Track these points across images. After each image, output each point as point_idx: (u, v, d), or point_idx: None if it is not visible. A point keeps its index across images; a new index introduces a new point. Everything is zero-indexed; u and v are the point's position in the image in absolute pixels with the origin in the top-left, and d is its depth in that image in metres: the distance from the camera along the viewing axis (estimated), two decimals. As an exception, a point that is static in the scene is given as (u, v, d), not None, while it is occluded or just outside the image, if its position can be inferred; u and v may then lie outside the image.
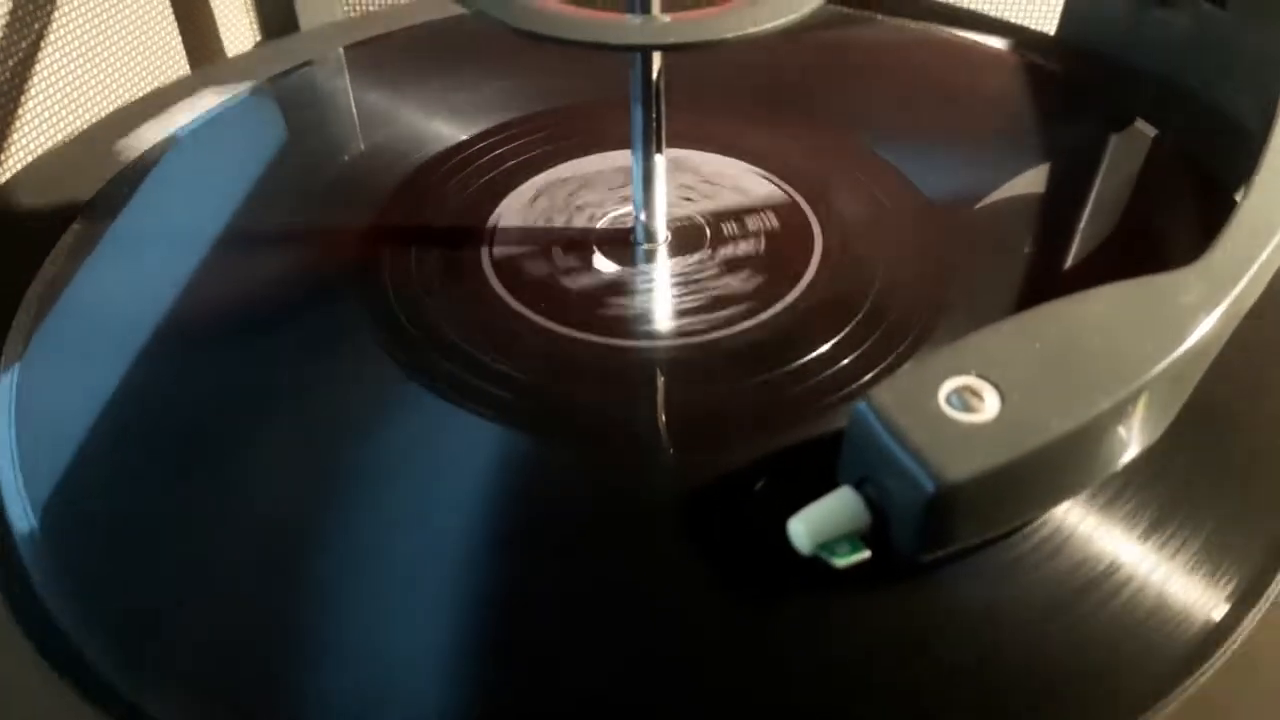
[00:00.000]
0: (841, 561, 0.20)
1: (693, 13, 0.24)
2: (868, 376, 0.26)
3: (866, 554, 0.20)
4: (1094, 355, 0.21)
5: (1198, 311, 0.22)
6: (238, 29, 0.53)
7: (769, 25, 0.23)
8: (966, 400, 0.20)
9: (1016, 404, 0.20)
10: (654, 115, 0.27)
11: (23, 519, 0.23)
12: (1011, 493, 0.20)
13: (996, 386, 0.20)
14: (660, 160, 0.28)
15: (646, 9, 0.24)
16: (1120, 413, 0.21)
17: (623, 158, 0.33)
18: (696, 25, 0.23)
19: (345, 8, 0.52)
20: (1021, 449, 0.19)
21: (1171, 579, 0.22)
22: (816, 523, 0.20)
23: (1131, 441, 0.23)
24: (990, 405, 0.20)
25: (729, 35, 0.23)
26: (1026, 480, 0.20)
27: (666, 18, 0.24)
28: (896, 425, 0.20)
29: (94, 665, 0.20)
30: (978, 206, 0.32)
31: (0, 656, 0.20)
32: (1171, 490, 0.23)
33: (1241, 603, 0.21)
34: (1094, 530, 0.22)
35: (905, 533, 0.20)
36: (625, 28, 0.23)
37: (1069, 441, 0.20)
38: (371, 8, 0.54)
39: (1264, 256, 0.23)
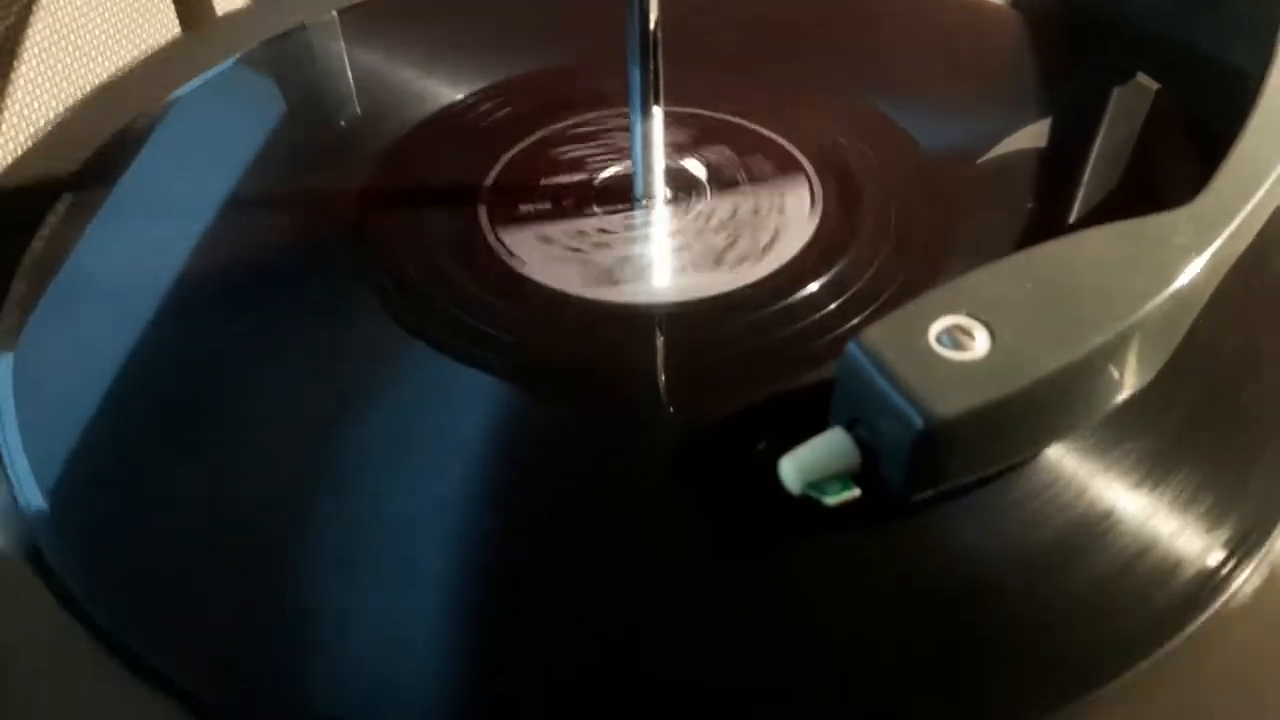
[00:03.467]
0: (831, 499, 0.20)
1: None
2: (860, 318, 0.26)
3: (856, 492, 0.20)
4: (1085, 294, 0.21)
5: (1188, 252, 0.22)
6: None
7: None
8: (957, 339, 0.20)
9: (1007, 342, 0.20)
10: (651, 70, 0.27)
11: (32, 493, 0.23)
12: (1001, 431, 0.21)
13: (987, 325, 0.21)
14: (658, 115, 0.29)
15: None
16: (1111, 352, 0.21)
17: (621, 116, 0.33)
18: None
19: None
20: (1011, 386, 0.20)
21: (1167, 526, 0.22)
22: (806, 462, 0.20)
23: (1123, 383, 0.23)
24: (981, 343, 0.20)
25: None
26: (1016, 418, 0.21)
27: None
28: (886, 363, 0.20)
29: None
30: (978, 160, 0.33)
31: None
32: (1167, 438, 0.23)
33: (1240, 550, 0.21)
34: (1088, 477, 0.23)
35: (896, 471, 0.20)
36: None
37: (1059, 379, 0.20)
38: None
39: (1255, 200, 0.23)
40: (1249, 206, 0.23)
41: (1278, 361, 0.26)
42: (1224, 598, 0.20)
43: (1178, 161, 0.34)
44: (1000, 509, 0.22)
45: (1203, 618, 0.20)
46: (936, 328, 0.21)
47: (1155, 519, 0.22)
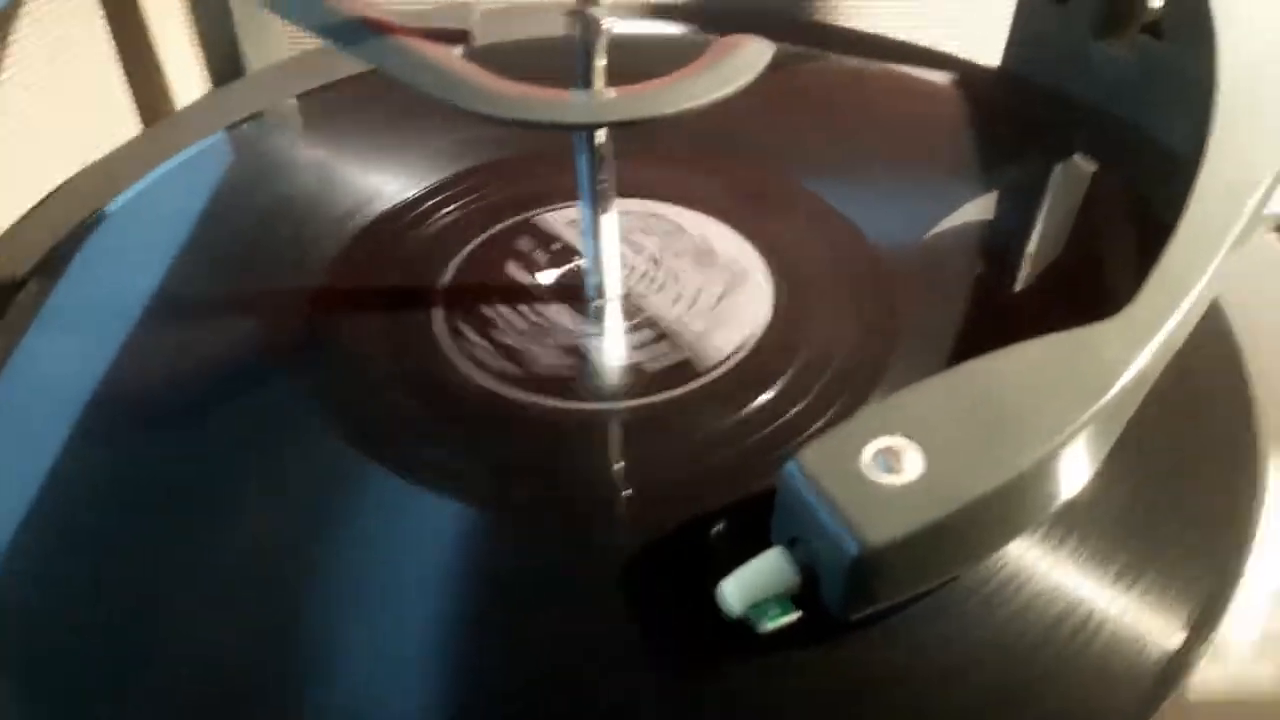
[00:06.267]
0: (770, 624, 0.20)
1: (634, 88, 0.24)
2: (810, 430, 0.27)
3: (795, 615, 0.21)
4: (1016, 413, 0.22)
5: (1117, 365, 0.23)
6: (186, 75, 0.54)
7: (706, 99, 0.24)
8: (890, 462, 0.21)
9: (939, 465, 0.21)
10: (600, 177, 0.28)
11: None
12: (937, 551, 0.21)
13: (920, 447, 0.21)
14: (609, 219, 0.29)
15: (589, 84, 0.25)
16: (1042, 470, 0.22)
17: (573, 211, 0.34)
18: (638, 101, 0.24)
19: (290, 45, 0.52)
20: (943, 510, 0.20)
21: (1120, 615, 0.22)
22: (745, 586, 0.21)
23: (1059, 490, 0.24)
24: (914, 466, 0.21)
25: (668, 110, 0.24)
26: (951, 538, 0.21)
27: (611, 92, 0.25)
28: (821, 487, 0.21)
29: None
30: (921, 246, 0.33)
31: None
32: (1107, 531, 0.24)
33: (1195, 633, 0.22)
34: (1037, 572, 0.23)
35: (833, 593, 0.21)
36: (570, 106, 0.24)
37: (991, 500, 0.21)
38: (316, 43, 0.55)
39: (1182, 310, 0.24)
40: (1176, 318, 0.24)
41: (1209, 450, 0.27)
42: (1176, 691, 0.21)
43: (1118, 242, 0.35)
44: (943, 610, 0.22)
45: (1161, 707, 0.21)
46: (870, 449, 0.21)
47: (1099, 613, 0.22)
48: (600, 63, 0.25)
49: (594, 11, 0.25)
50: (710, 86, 0.24)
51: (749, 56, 0.24)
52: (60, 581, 0.24)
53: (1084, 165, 0.38)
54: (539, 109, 0.24)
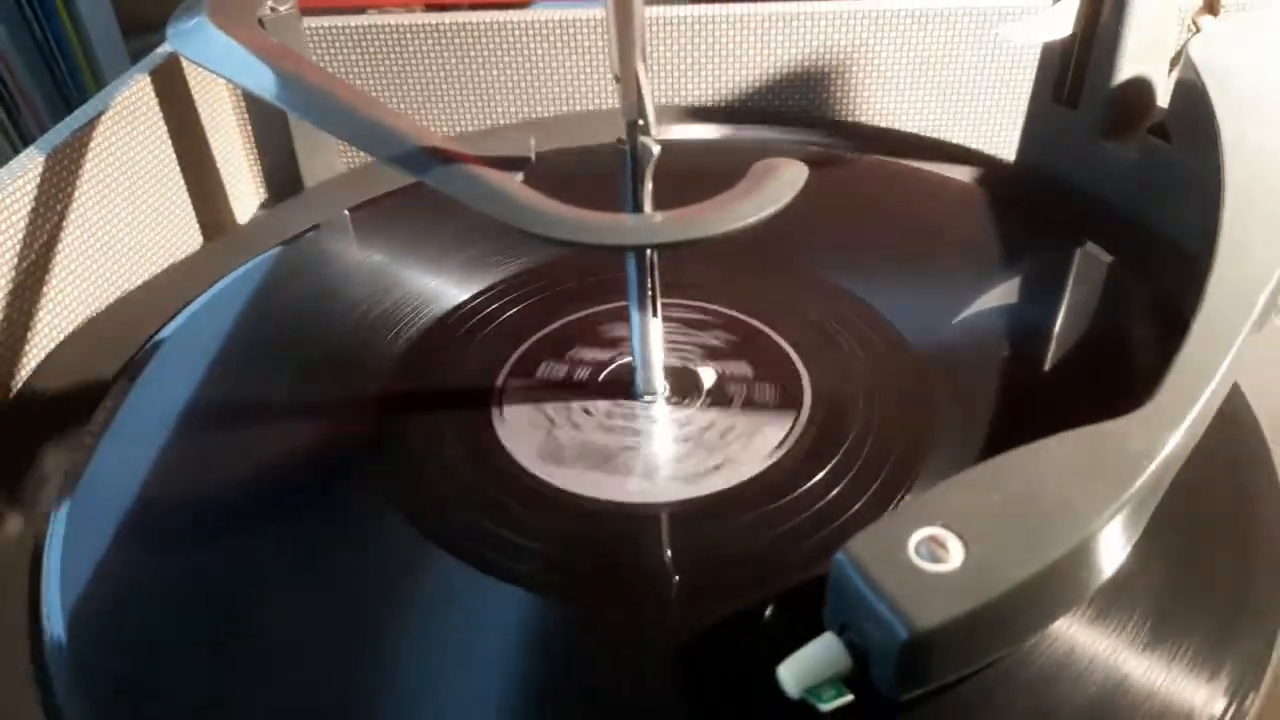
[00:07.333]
0: (825, 705, 0.22)
1: (685, 211, 0.27)
2: (856, 521, 0.28)
3: (849, 697, 0.22)
4: (1047, 504, 0.23)
5: (1142, 458, 0.24)
6: (245, 193, 0.57)
7: (750, 220, 0.26)
8: (933, 550, 0.23)
9: (979, 553, 0.22)
10: (649, 285, 0.30)
11: (68, 695, 0.25)
12: (981, 633, 0.23)
13: (960, 536, 0.23)
14: (656, 322, 0.31)
15: (639, 205, 0.27)
16: (1077, 556, 0.23)
17: (621, 310, 0.36)
18: (689, 224, 0.26)
19: (344, 161, 0.56)
20: (985, 596, 0.22)
21: (1164, 686, 0.24)
22: (801, 669, 0.22)
23: (1096, 574, 0.25)
24: (955, 554, 0.22)
25: (716, 231, 0.26)
26: (994, 622, 0.23)
27: (658, 217, 0.27)
28: (870, 576, 0.22)
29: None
30: (950, 342, 0.35)
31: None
32: (1148, 608, 0.26)
33: (1236, 702, 0.24)
34: (1081, 651, 0.25)
35: (885, 675, 0.22)
36: (627, 229, 0.27)
37: (1030, 585, 0.22)
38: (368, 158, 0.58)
39: (1203, 401, 0.26)
40: (1197, 408, 0.26)
41: (1240, 520, 0.28)
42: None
43: (1136, 333, 0.37)
44: (991, 690, 0.24)
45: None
46: (914, 539, 0.23)
47: (1144, 687, 0.24)
48: (648, 185, 0.28)
49: (643, 139, 0.27)
50: (753, 209, 0.26)
51: (788, 178, 0.26)
52: (136, 685, 0.26)
53: (1101, 258, 0.40)
54: (596, 232, 0.26)
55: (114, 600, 0.28)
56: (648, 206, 0.27)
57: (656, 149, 0.27)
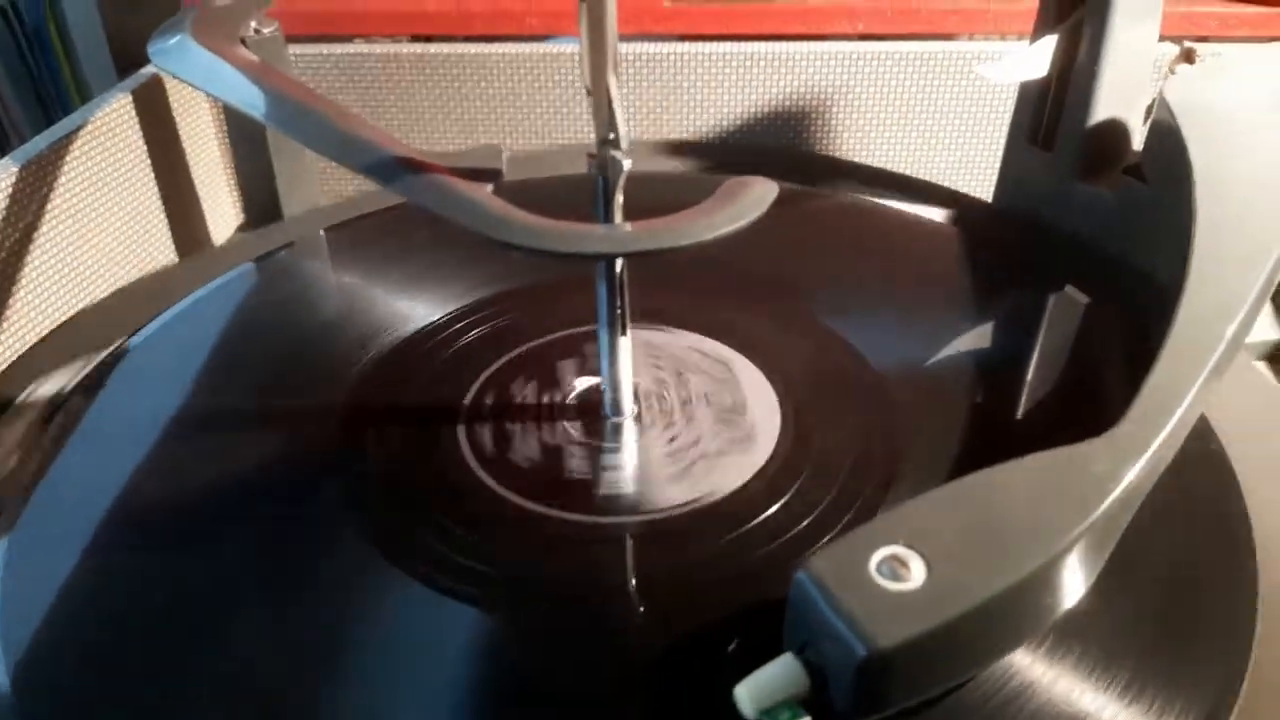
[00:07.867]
0: (781, 726, 0.21)
1: (652, 222, 0.27)
2: (818, 542, 0.28)
3: (806, 719, 0.21)
4: (1012, 525, 0.23)
5: (1106, 482, 0.24)
6: (224, 218, 0.57)
7: (719, 232, 0.26)
8: (895, 570, 0.22)
9: (940, 573, 0.22)
10: (618, 303, 0.30)
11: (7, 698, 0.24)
12: (940, 656, 0.22)
13: (923, 556, 0.22)
14: (625, 341, 0.31)
15: (610, 218, 0.27)
16: (1039, 579, 0.23)
17: (590, 333, 0.36)
18: (657, 233, 0.26)
19: (324, 190, 0.56)
20: (945, 616, 0.21)
21: None
22: (758, 689, 0.22)
23: (1058, 601, 0.25)
24: (917, 573, 0.22)
25: (684, 242, 0.26)
26: (954, 644, 0.22)
27: (630, 226, 0.27)
28: (830, 593, 0.22)
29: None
30: (922, 372, 0.35)
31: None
32: (1110, 639, 0.25)
33: None
34: (1043, 683, 0.24)
35: (842, 696, 0.22)
36: (595, 238, 0.26)
37: (991, 607, 0.22)
38: (349, 191, 0.58)
39: (1169, 428, 0.26)
40: (1163, 435, 0.25)
41: (1207, 559, 0.28)
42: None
43: (1109, 365, 0.37)
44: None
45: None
46: (876, 558, 0.22)
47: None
48: (619, 198, 0.28)
49: (614, 154, 0.27)
50: (722, 221, 0.26)
51: (757, 194, 0.26)
52: (87, 692, 0.25)
53: (1074, 293, 0.40)
54: (566, 240, 0.26)
55: (61, 622, 0.27)
56: (618, 218, 0.27)
57: (627, 163, 0.27)
